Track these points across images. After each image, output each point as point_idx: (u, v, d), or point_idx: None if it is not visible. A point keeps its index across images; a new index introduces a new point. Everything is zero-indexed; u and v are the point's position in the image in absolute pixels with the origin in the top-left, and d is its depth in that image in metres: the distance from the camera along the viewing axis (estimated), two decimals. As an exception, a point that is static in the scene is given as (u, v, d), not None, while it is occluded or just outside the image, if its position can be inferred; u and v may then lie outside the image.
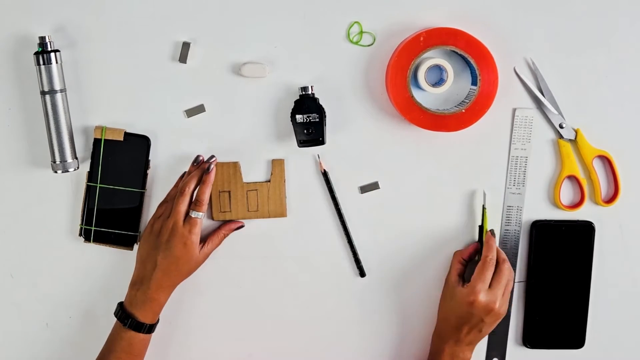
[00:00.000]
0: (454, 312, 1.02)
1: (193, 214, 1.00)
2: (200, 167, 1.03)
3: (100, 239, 1.04)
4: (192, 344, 1.08)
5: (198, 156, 1.04)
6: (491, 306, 0.99)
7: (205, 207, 1.00)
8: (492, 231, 1.05)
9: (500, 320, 1.02)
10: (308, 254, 1.07)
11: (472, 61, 1.01)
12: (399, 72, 1.02)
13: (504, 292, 1.01)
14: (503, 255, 1.04)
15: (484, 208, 1.05)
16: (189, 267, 1.01)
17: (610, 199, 1.08)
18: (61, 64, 1.00)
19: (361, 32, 1.04)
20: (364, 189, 1.07)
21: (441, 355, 1.03)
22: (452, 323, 1.02)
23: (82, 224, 1.04)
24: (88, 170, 1.03)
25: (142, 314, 0.99)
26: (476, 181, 1.07)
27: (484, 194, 1.06)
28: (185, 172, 1.04)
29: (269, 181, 1.05)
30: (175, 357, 1.08)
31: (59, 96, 1.00)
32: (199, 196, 1.00)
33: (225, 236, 1.05)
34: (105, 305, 1.05)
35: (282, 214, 1.06)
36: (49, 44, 0.99)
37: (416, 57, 1.01)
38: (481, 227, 1.06)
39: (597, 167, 1.07)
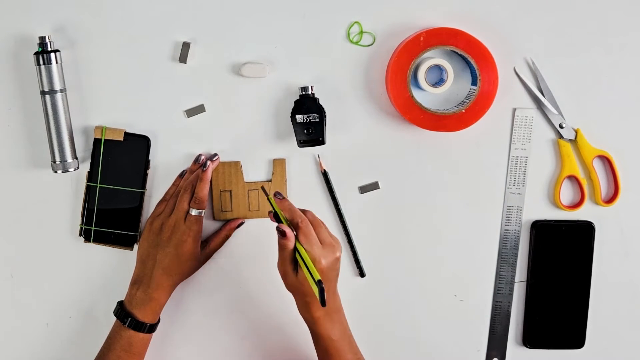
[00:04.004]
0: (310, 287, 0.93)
1: (193, 212, 1.00)
2: (202, 165, 1.03)
3: (100, 239, 1.04)
4: (192, 343, 1.08)
5: (199, 155, 1.04)
6: (335, 256, 0.92)
7: (204, 204, 1.00)
8: (276, 194, 0.96)
9: (340, 253, 0.94)
10: (308, 254, 1.07)
11: (472, 61, 1.01)
12: (399, 72, 1.02)
13: (327, 233, 0.94)
14: (297, 212, 0.94)
15: (267, 197, 0.96)
16: (189, 266, 1.01)
17: (610, 199, 1.08)
18: (61, 64, 1.00)
19: (361, 32, 1.04)
20: (364, 189, 1.07)
21: (319, 323, 0.95)
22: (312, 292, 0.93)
23: (82, 224, 1.04)
24: (88, 170, 1.03)
25: (141, 313, 0.99)
26: (476, 181, 1.07)
27: (263, 189, 0.97)
28: (183, 170, 1.04)
29: (270, 180, 1.05)
30: (175, 357, 1.08)
31: (59, 96, 1.00)
32: (197, 194, 1.00)
33: (227, 237, 1.05)
34: (105, 305, 1.05)
35: (283, 213, 1.06)
36: (49, 44, 0.99)
37: (416, 57, 1.01)
38: (275, 213, 0.95)
39: (597, 167, 1.07)
